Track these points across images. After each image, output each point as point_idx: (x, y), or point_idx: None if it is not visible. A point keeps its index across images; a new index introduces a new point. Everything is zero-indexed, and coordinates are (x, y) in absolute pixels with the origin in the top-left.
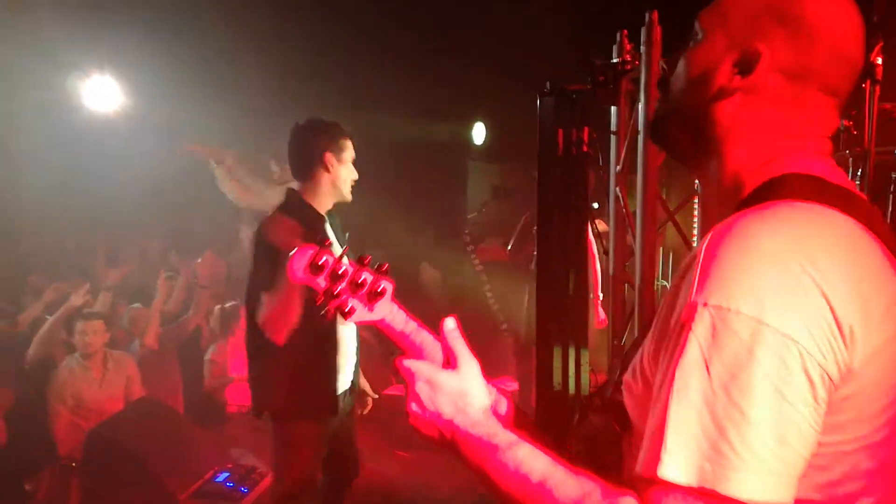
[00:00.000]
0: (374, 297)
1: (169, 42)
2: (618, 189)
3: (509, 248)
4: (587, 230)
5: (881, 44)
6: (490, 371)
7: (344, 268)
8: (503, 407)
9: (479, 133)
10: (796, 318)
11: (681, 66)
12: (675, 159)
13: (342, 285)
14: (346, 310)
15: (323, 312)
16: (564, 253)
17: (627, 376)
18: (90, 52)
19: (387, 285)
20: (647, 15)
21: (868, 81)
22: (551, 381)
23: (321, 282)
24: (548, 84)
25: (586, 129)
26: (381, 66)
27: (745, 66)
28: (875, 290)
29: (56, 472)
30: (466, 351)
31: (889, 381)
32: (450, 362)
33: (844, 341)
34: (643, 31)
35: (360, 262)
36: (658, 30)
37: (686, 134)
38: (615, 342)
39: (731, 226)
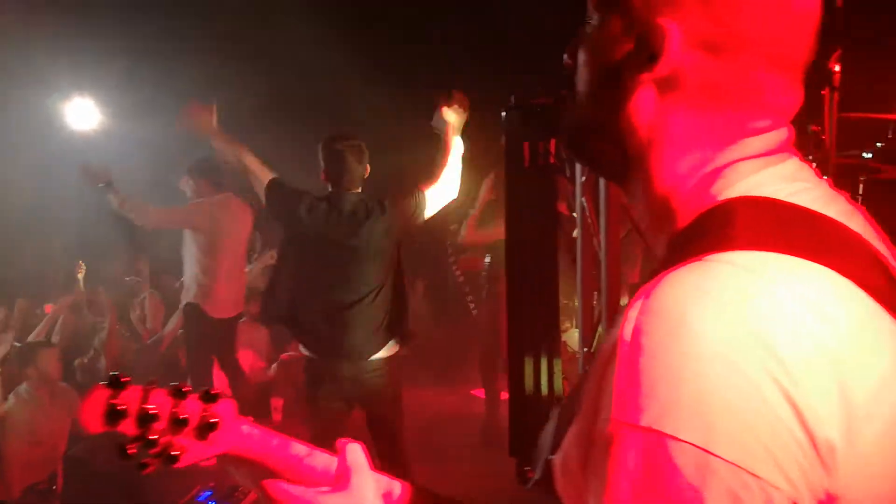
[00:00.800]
0: (206, 429)
1: (150, 65)
2: (584, 199)
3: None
4: (557, 239)
5: (839, 51)
6: (474, 382)
7: (154, 408)
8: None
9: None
10: (756, 441)
11: (580, 61)
12: (601, 176)
13: (161, 427)
14: (172, 455)
15: (140, 465)
16: (535, 262)
17: (557, 462)
18: (72, 75)
19: (222, 411)
20: None
21: (827, 88)
22: (523, 389)
23: (129, 429)
24: (513, 98)
25: (553, 140)
26: (353, 83)
27: (649, 50)
28: (861, 375)
29: (38, 497)
30: (363, 465)
31: (884, 490)
32: (340, 480)
33: (822, 461)
34: None
35: (177, 392)
36: None
37: (604, 148)
38: (585, 350)
39: (660, 302)
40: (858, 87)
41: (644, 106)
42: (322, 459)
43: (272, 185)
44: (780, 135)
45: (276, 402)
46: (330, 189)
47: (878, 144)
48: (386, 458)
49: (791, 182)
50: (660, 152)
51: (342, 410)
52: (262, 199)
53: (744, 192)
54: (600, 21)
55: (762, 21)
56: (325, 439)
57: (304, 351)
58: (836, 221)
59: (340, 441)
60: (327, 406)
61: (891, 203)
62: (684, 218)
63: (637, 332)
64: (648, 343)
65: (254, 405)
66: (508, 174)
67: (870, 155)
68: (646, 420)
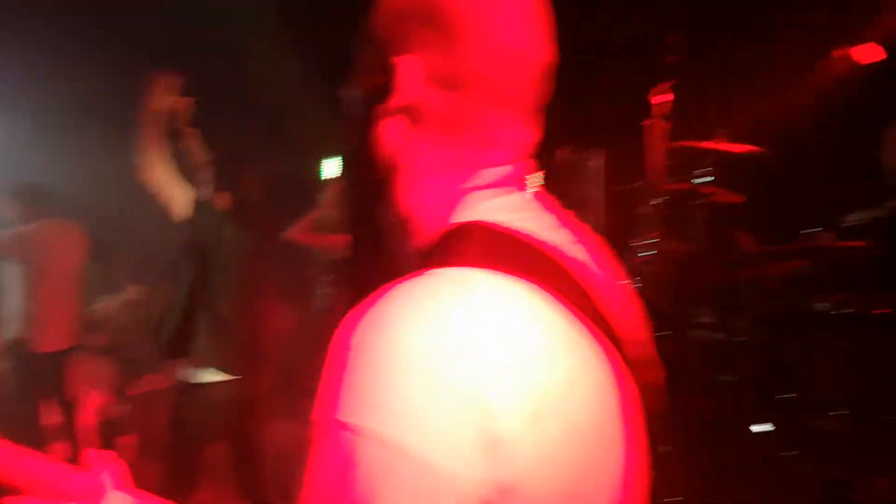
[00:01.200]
0: None
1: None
2: None
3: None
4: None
5: (672, 83)
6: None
7: None
8: None
9: (333, 167)
10: (437, 432)
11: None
12: (362, 199)
13: None
14: None
15: None
16: (375, 278)
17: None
18: None
19: None
20: None
21: (652, 119)
22: None
23: None
24: None
25: None
26: (235, 111)
27: (387, 85)
28: (549, 377)
29: None
30: (116, 481)
31: (564, 485)
32: (91, 495)
33: (505, 456)
34: None
35: None
36: None
37: (360, 171)
38: None
39: (374, 309)
40: (692, 117)
41: (390, 135)
42: (74, 475)
43: (198, 205)
44: (508, 169)
45: (127, 440)
46: (227, 206)
47: (698, 171)
48: (250, 486)
49: (514, 212)
50: (406, 178)
51: (211, 439)
52: (184, 217)
53: (471, 219)
54: (364, 57)
55: (487, 62)
56: (191, 472)
57: (197, 378)
58: (547, 244)
59: (91, 454)
60: (201, 433)
61: (721, 222)
62: (425, 239)
63: (348, 337)
64: (353, 346)
65: (99, 444)
66: (350, 188)
67: (710, 179)
68: (340, 415)
